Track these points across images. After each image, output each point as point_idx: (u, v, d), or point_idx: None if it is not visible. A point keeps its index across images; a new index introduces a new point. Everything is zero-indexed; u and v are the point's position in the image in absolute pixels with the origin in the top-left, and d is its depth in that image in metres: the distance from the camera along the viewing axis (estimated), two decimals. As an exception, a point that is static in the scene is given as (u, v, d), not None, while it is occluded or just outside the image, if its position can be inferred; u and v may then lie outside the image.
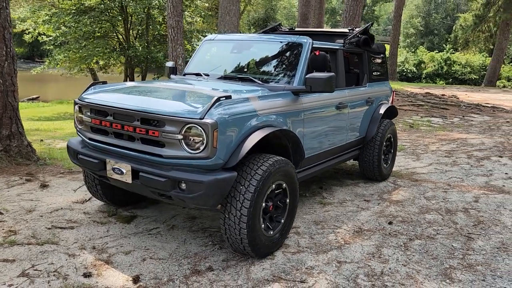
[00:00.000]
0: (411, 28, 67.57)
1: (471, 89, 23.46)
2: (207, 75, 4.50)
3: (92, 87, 3.91)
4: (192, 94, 3.72)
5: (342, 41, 5.11)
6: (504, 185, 5.82)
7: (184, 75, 4.76)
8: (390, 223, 4.34)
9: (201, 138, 3.04)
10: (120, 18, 19.09)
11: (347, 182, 5.74)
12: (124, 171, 3.34)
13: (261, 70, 4.41)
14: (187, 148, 3.09)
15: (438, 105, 14.55)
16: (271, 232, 3.51)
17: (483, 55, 36.23)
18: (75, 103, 3.79)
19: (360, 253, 3.65)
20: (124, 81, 11.45)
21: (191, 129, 3.06)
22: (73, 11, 17.86)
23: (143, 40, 19.56)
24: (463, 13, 47.85)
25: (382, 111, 5.59)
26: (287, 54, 4.33)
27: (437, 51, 36.69)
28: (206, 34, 17.77)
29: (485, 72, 31.66)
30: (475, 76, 33.95)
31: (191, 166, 3.15)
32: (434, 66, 34.32)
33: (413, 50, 41.02)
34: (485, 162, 7.16)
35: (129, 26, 19.45)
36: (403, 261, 3.54)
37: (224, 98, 3.19)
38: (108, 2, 18.13)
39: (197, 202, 3.18)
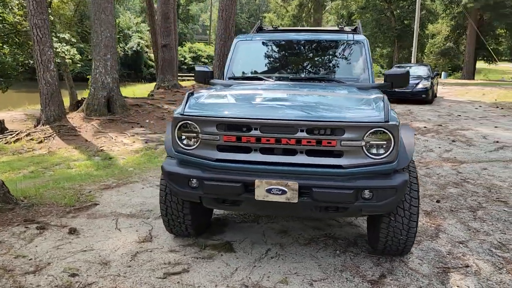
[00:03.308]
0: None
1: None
2: (269, 77, 4.19)
3: (194, 98, 3.27)
4: (338, 97, 3.51)
5: None
6: (455, 156, 6.97)
7: (230, 79, 4.31)
8: (438, 201, 4.82)
9: (385, 142, 2.92)
10: None
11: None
12: (287, 190, 2.94)
13: (328, 69, 4.32)
14: (369, 154, 2.92)
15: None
16: None
17: None
18: (179, 120, 3.11)
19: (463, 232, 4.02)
20: None
21: (374, 134, 2.91)
22: None
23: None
24: (267, 13, 52.96)
25: None
26: (348, 52, 4.35)
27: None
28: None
29: None
30: None
31: (371, 173, 2.99)
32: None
33: (228, 49, 44.16)
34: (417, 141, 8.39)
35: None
36: (490, 231, 4.03)
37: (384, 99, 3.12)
38: None
39: (385, 209, 3.05)
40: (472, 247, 3.70)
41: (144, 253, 3.48)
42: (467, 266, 3.37)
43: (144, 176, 5.75)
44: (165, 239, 3.75)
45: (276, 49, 4.49)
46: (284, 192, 2.96)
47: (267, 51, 4.55)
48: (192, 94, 3.34)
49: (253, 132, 2.98)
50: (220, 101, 3.34)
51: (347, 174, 2.95)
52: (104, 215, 4.27)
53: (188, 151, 3.15)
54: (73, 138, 9.87)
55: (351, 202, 2.93)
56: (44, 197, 4.72)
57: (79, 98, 15.35)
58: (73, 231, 3.81)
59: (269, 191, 2.97)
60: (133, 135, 10.16)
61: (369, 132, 2.90)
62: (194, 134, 3.12)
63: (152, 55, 43.27)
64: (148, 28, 46.49)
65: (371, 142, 2.92)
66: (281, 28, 6.03)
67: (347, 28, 5.74)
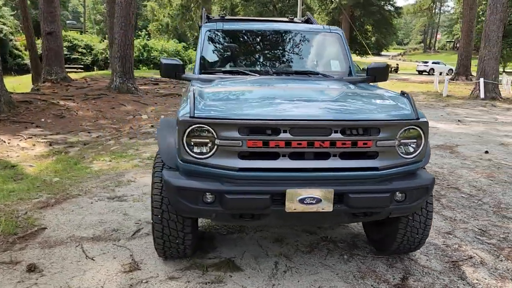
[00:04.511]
0: (97, 15, 66.85)
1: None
2: (251, 71, 3.79)
3: (198, 97, 2.75)
4: (358, 93, 3.28)
5: None
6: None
7: (204, 73, 3.80)
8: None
9: (415, 140, 2.80)
10: None
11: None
12: (322, 199, 2.65)
13: (310, 62, 4.07)
14: (401, 154, 2.77)
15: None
16: None
17: (174, 41, 40.22)
18: (190, 124, 2.60)
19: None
20: None
21: (406, 132, 2.77)
22: None
23: None
24: (148, 1, 50.87)
25: None
26: (328, 44, 4.16)
27: (135, 38, 38.53)
28: None
29: (179, 57, 35.80)
30: None
31: (401, 174, 2.84)
32: (135, 53, 35.99)
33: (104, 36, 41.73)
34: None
35: None
36: (464, 219, 4.25)
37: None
38: None
39: (414, 209, 2.93)
40: (461, 237, 3.83)
41: (139, 285, 2.87)
42: (471, 257, 3.45)
43: (83, 187, 4.89)
44: (155, 265, 3.16)
45: (251, 40, 4.11)
46: (318, 201, 2.65)
47: (242, 42, 4.12)
48: (195, 91, 2.81)
49: (283, 135, 2.60)
50: (232, 100, 2.88)
51: (382, 176, 2.76)
52: (61, 241, 3.47)
53: (200, 160, 2.65)
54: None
55: (386, 205, 2.75)
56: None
57: None
58: (32, 268, 3.00)
59: (302, 201, 2.64)
60: (31, 137, 8.74)
61: (402, 130, 2.74)
62: (208, 140, 2.63)
63: (18, 43, 38.44)
64: (12, 13, 41.09)
65: (402, 141, 2.77)
66: (228, 17, 5.62)
67: (297, 20, 5.57)
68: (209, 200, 2.66)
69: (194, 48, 43.25)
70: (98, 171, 5.69)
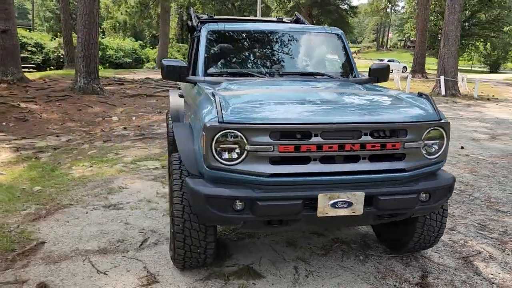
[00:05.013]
0: (47, 11, 64.18)
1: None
2: (259, 73, 3.72)
3: (223, 101, 2.65)
4: (378, 95, 3.28)
5: None
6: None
7: (209, 75, 3.68)
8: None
9: (438, 141, 2.84)
10: None
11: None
12: (353, 202, 2.63)
13: (315, 63, 4.03)
14: (425, 155, 2.80)
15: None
16: None
17: (130, 39, 39.31)
18: (219, 129, 2.50)
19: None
20: None
21: (430, 133, 2.80)
22: None
23: None
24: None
25: None
26: (328, 45, 4.14)
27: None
28: None
29: (136, 56, 35.03)
30: (128, 60, 36.20)
31: (424, 174, 2.86)
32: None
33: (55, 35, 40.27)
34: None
35: None
36: (462, 214, 4.38)
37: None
38: None
39: (435, 209, 2.96)
40: (464, 232, 3.93)
41: (162, 299, 2.74)
42: (480, 252, 3.55)
43: (72, 196, 4.62)
44: (172, 276, 3.03)
45: (254, 41, 4.01)
46: (350, 204, 2.63)
47: (245, 43, 4.03)
48: (218, 95, 2.69)
49: (314, 139, 2.56)
50: (258, 103, 2.78)
51: (409, 178, 2.77)
52: (65, 256, 3.25)
53: (230, 167, 2.55)
54: None
55: (413, 206, 2.77)
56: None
57: None
58: (43, 287, 2.78)
59: (334, 205, 2.60)
60: (-7, 143, 8.24)
61: (427, 131, 2.76)
62: (238, 146, 2.54)
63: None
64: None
65: (426, 142, 2.80)
66: (217, 17, 5.50)
67: (286, 19, 5.54)
68: (239, 208, 2.57)
69: (151, 47, 42.26)
70: (81, 178, 5.40)
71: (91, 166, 6.07)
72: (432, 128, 2.78)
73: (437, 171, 2.94)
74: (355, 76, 4.02)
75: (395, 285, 3.03)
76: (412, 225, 3.22)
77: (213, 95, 2.72)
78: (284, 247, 3.55)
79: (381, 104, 2.99)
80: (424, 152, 2.79)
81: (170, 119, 5.54)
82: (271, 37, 4.04)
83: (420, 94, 3.09)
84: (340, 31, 4.21)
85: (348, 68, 4.07)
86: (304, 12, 42.61)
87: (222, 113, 2.53)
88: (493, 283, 3.09)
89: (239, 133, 2.51)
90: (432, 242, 3.32)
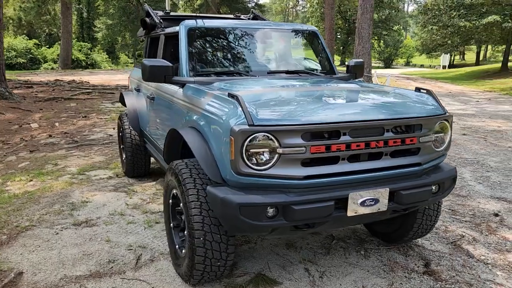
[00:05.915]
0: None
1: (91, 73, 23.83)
2: (246, 72, 3.58)
3: (244, 101, 2.48)
4: (382, 92, 3.29)
5: None
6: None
7: (197, 75, 3.46)
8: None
9: (443, 134, 2.97)
10: None
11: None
12: (380, 199, 2.65)
13: (294, 61, 3.98)
14: (434, 148, 2.92)
15: (103, 91, 14.44)
16: None
17: (23, 38, 35.95)
18: (249, 133, 2.35)
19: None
20: None
21: (438, 126, 2.92)
22: None
23: None
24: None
25: None
26: (307, 42, 4.14)
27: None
28: None
29: (31, 56, 32.18)
30: (22, 60, 33.00)
31: (432, 167, 2.98)
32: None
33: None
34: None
35: None
36: None
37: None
38: None
39: (440, 199, 3.07)
40: (441, 218, 4.17)
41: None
42: (463, 236, 3.79)
43: (29, 216, 4.03)
44: (187, 293, 2.79)
45: (235, 39, 3.84)
46: (377, 201, 2.65)
47: (226, 41, 3.83)
48: (241, 96, 2.51)
49: (343, 138, 2.52)
50: (280, 103, 2.66)
51: (423, 171, 2.85)
52: (56, 286, 2.81)
53: (261, 172, 2.41)
54: None
55: (427, 198, 2.86)
56: None
57: None
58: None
59: (363, 203, 2.60)
60: None
61: (436, 125, 2.87)
62: (269, 149, 2.40)
63: None
64: None
65: (434, 135, 2.90)
66: (173, 14, 5.21)
67: (243, 17, 5.44)
68: (271, 214, 2.44)
69: (47, 46, 38.70)
70: (26, 194, 4.77)
71: (31, 180, 5.41)
72: (440, 122, 2.89)
73: (440, 163, 3.07)
74: (335, 73, 4.05)
75: (405, 276, 3.11)
76: (412, 216, 3.34)
77: (231, 95, 2.55)
78: (286, 250, 3.47)
79: (393, 101, 3.04)
80: (433, 145, 2.90)
81: (126, 123, 5.13)
82: (251, 35, 3.90)
83: (418, 89, 3.20)
84: (315, 28, 4.21)
85: (328, 65, 4.10)
86: (213, 10, 42.48)
87: (250, 116, 2.38)
88: (487, 263, 3.32)
89: (272, 136, 2.38)
90: (428, 231, 3.47)
